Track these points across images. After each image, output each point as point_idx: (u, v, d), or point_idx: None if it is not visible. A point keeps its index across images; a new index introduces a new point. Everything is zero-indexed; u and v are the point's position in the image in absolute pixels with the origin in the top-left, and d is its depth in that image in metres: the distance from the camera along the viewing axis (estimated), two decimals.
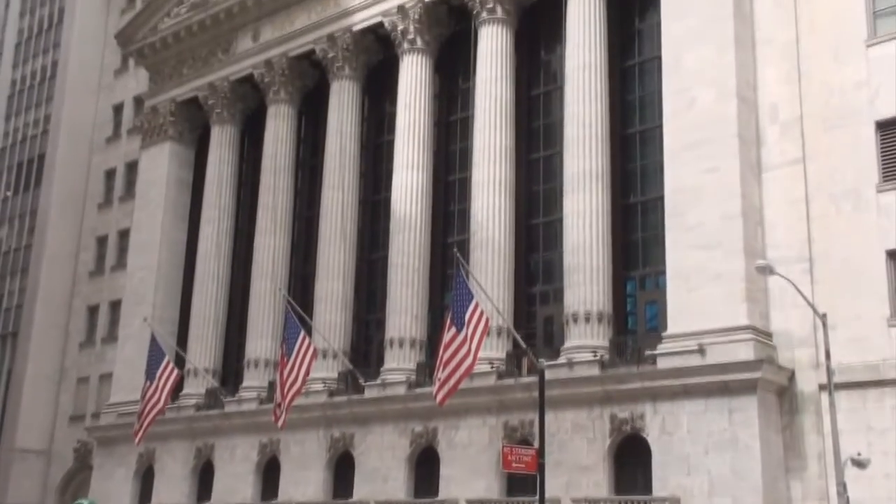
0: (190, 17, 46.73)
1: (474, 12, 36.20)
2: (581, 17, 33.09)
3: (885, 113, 26.72)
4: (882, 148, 26.71)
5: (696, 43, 29.82)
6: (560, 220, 32.67)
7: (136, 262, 47.12)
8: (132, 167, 52.59)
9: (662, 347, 28.03)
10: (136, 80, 54.23)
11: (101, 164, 56.13)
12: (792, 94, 28.60)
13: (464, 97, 38.08)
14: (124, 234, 51.48)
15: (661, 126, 30.66)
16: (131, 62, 53.68)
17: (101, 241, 54.56)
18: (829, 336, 22.94)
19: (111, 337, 50.65)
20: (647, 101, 32.65)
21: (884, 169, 26.60)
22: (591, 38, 32.81)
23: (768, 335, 27.34)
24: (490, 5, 35.70)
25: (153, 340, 37.18)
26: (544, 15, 35.81)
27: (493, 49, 35.62)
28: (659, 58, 31.37)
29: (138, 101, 53.36)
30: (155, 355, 36.43)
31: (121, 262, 51.31)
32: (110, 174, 55.46)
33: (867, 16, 27.74)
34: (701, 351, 26.99)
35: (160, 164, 47.49)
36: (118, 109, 56.40)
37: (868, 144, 26.78)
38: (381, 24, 39.43)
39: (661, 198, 30.09)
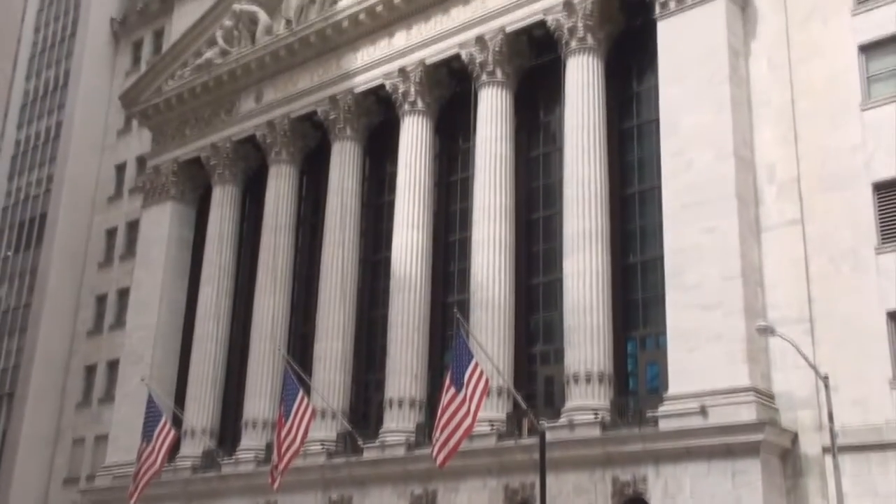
0: (194, 79, 47.42)
1: (474, 75, 36.80)
2: (579, 79, 33.62)
3: (882, 175, 27.00)
4: (879, 209, 26.94)
5: (693, 105, 30.25)
6: (560, 280, 32.71)
7: (134, 321, 47.05)
8: (133, 226, 52.84)
9: (664, 408, 27.86)
10: (140, 141, 54.82)
11: (102, 223, 56.41)
12: (789, 155, 28.94)
13: (464, 157, 38.45)
14: (124, 293, 51.46)
15: (659, 186, 30.94)
16: (135, 123, 54.31)
17: (101, 300, 54.53)
18: (832, 398, 22.85)
19: (108, 397, 50.31)
20: (646, 162, 32.98)
21: (882, 230, 26.80)
22: (589, 100, 33.29)
23: (770, 396, 27.21)
24: (490, 68, 36.31)
25: (150, 400, 36.95)
26: (543, 77, 36.37)
27: (492, 110, 36.10)
28: (657, 120, 31.79)
29: (141, 161, 53.88)
30: (152, 415, 36.16)
31: (120, 322, 51.20)
32: (111, 233, 55.69)
33: (861, 80, 28.19)
34: (703, 412, 26.82)
35: (161, 224, 47.75)
36: (121, 169, 56.90)
37: (865, 206, 27.02)
38: (382, 86, 40.03)
39: (661, 258, 30.19)
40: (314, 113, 42.59)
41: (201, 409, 42.16)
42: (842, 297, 26.68)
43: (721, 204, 28.66)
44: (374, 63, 40.43)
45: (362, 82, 40.82)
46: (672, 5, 31.74)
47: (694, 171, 29.62)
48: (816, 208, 27.94)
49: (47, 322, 54.91)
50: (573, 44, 34.05)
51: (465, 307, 33.25)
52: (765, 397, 26.88)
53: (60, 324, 54.96)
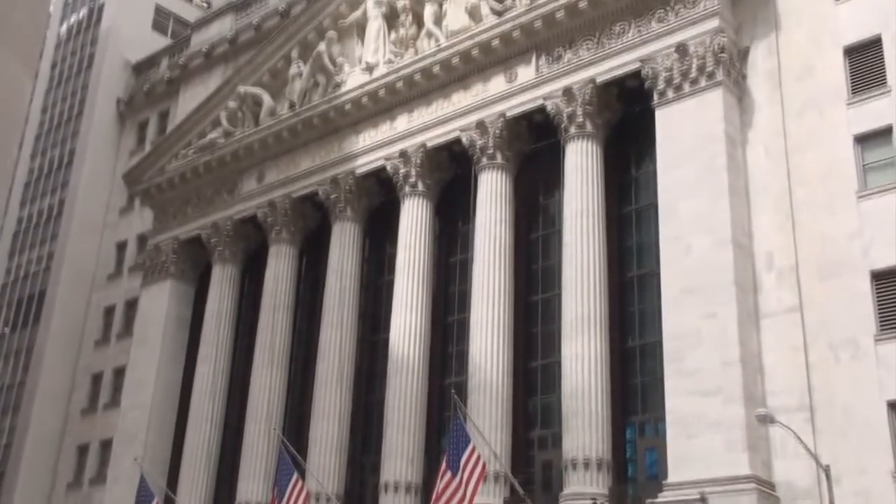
0: (197, 159, 48.01)
1: (474, 158, 37.30)
2: (579, 164, 34.06)
3: (880, 264, 27.13)
4: (878, 298, 26.98)
5: (691, 192, 30.57)
6: (558, 364, 32.56)
7: (129, 400, 46.67)
8: (132, 305, 52.75)
9: (663, 496, 27.45)
10: (141, 219, 55.13)
11: (100, 301, 56.30)
12: (787, 242, 29.15)
13: (463, 239, 38.65)
14: (119, 372, 51.09)
15: (658, 271, 31.04)
16: (137, 202, 54.71)
17: (96, 379, 54.06)
18: (834, 489, 22.51)
19: (100, 478, 49.51)
20: (645, 247, 33.16)
21: (881, 319, 26.79)
22: (588, 185, 33.66)
23: (771, 485, 26.85)
24: (490, 151, 36.82)
25: (142, 481, 36.45)
26: (543, 161, 36.84)
27: (492, 193, 36.46)
28: (655, 205, 32.08)
29: (142, 240, 54.09)
30: (144, 497, 35.62)
31: (114, 401, 50.69)
32: (109, 311, 55.52)
33: (857, 169, 28.55)
34: (703, 500, 26.44)
35: (160, 302, 47.75)
36: (121, 247, 57.07)
37: (864, 294, 27.08)
38: (383, 168, 40.53)
39: (660, 342, 30.11)
40: (315, 193, 42.99)
41: (194, 490, 41.54)
42: (842, 386, 26.52)
43: (720, 290, 28.73)
44: (376, 145, 41.00)
45: (364, 164, 41.32)
46: (670, 94, 32.36)
47: (693, 256, 29.77)
48: (815, 296, 27.99)
49: (41, 400, 54.33)
50: (572, 129, 34.61)
51: (462, 389, 33.03)
52: (766, 486, 26.52)
53: (54, 402, 54.39)
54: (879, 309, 26.90)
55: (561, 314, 32.88)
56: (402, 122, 40.48)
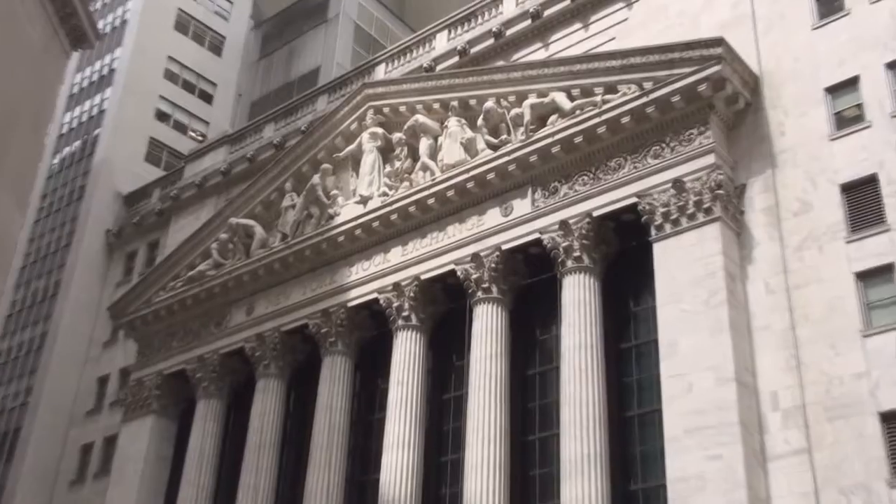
0: (185, 291, 48.05)
1: (469, 291, 37.38)
2: (576, 298, 34.11)
3: (888, 405, 26.74)
4: (889, 441, 26.46)
5: (691, 328, 30.50)
6: None
7: None
8: (111, 442, 51.66)
9: None
10: (124, 352, 54.66)
11: (78, 438, 55.07)
12: (792, 381, 28.80)
13: (458, 375, 38.26)
14: None
15: (660, 409, 30.65)
16: (121, 335, 54.40)
17: None
18: None
19: None
20: (646, 384, 32.82)
21: (893, 463, 26.20)
22: (586, 320, 33.60)
23: None
24: (485, 285, 36.92)
25: None
26: (539, 295, 36.93)
27: (487, 327, 36.34)
28: (655, 341, 31.96)
29: (124, 374, 53.46)
30: None
31: None
32: (87, 449, 54.23)
33: (861, 307, 28.49)
34: None
35: (141, 439, 46.84)
36: (103, 382, 56.30)
37: (874, 436, 26.59)
38: (376, 301, 40.55)
39: (663, 486, 29.42)
40: (305, 326, 42.83)
41: None
42: None
43: (725, 431, 28.23)
44: (369, 277, 41.17)
45: (356, 296, 41.38)
46: (667, 228, 32.72)
47: (694, 395, 29.40)
48: (824, 437, 27.48)
49: None
50: (569, 263, 34.83)
51: None
52: None
53: None
54: (891, 452, 26.32)
55: (559, 454, 32.24)
56: (396, 255, 40.79)
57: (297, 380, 44.28)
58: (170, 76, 68.66)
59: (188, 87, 69.70)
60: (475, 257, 37.45)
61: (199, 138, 68.07)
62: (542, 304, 36.84)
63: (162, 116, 67.65)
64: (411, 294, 39.14)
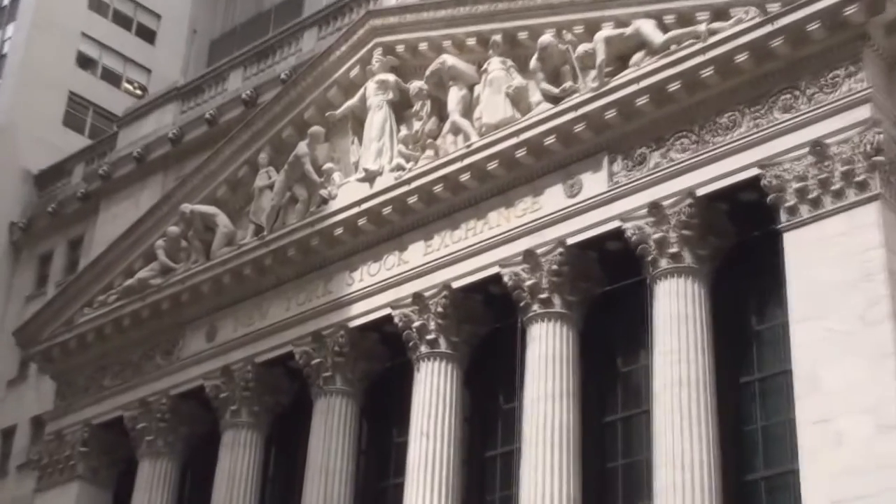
0: (121, 308, 48.29)
1: (521, 304, 37.22)
2: (673, 312, 33.94)
3: None
4: None
5: (839, 354, 29.99)
6: None
7: None
8: None
9: None
10: (37, 395, 54.95)
11: None
12: None
13: (506, 423, 38.30)
14: None
15: (796, 471, 30.31)
16: (33, 369, 54.69)
17: None
18: None
19: None
20: (775, 434, 32.68)
21: None
22: (689, 343, 33.31)
23: None
24: (544, 295, 36.65)
25: None
26: (621, 308, 36.91)
27: (548, 355, 36.06)
28: (789, 372, 31.70)
29: (37, 424, 53.78)
30: None
31: None
32: None
33: None
34: None
35: None
36: (8, 435, 56.66)
37: None
38: (389, 319, 40.50)
39: None
40: (290, 356, 42.92)
41: None
42: None
43: (891, 500, 27.87)
44: (378, 286, 41.22)
45: (360, 313, 41.40)
46: (803, 211, 32.34)
47: (847, 449, 28.99)
48: None
49: None
50: (663, 263, 34.55)
51: None
52: None
53: None
54: None
55: None
56: (416, 253, 40.80)
57: (279, 431, 44.45)
58: (96, 6, 69.23)
59: (122, 20, 70.23)
60: (529, 256, 37.25)
61: (139, 92, 68.56)
62: (625, 320, 36.67)
63: (85, 62, 68.14)
64: (439, 309, 39.04)
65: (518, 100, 39.55)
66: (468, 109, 41.05)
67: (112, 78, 68.65)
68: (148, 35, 71.00)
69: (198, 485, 45.77)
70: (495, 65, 40.46)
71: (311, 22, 53.37)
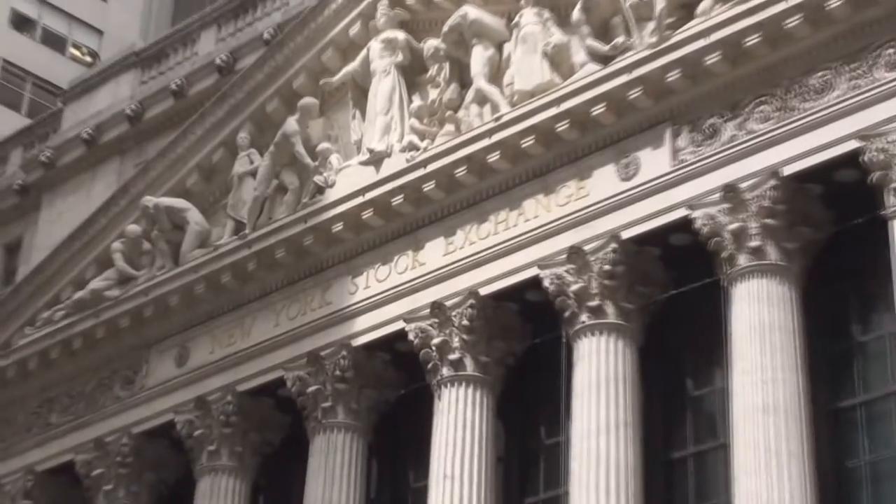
0: (70, 326, 48.47)
1: (566, 314, 37.19)
2: (757, 321, 33.63)
3: None
4: None
5: None
6: None
7: None
8: None
9: None
10: None
11: None
12: None
13: (550, 462, 38.42)
14: None
15: None
16: None
17: None
18: None
19: None
20: (884, 471, 32.66)
21: None
22: (780, 359, 33.05)
23: None
24: (594, 302, 36.50)
25: None
26: (689, 316, 36.95)
27: (600, 377, 35.94)
28: None
29: None
30: None
31: None
32: None
33: None
34: None
35: None
36: None
37: None
38: (402, 335, 40.56)
39: None
40: (280, 383, 43.03)
41: None
42: None
43: None
44: (387, 294, 41.39)
45: (366, 329, 41.53)
46: None
47: None
48: None
49: None
50: (741, 259, 34.29)
51: None
52: None
53: None
54: None
55: None
56: (435, 253, 40.93)
57: (267, 476, 44.67)
58: None
59: None
60: (575, 254, 37.16)
61: (88, 59, 68.73)
62: (696, 332, 36.75)
63: (21, 23, 68.44)
64: (464, 322, 39.02)
65: (558, 60, 39.49)
66: (496, 74, 41.10)
67: (55, 42, 68.91)
68: None
69: None
70: (529, 17, 40.40)
71: None
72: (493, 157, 39.66)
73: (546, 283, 37.81)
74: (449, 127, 41.61)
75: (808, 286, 34.87)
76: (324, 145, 44.70)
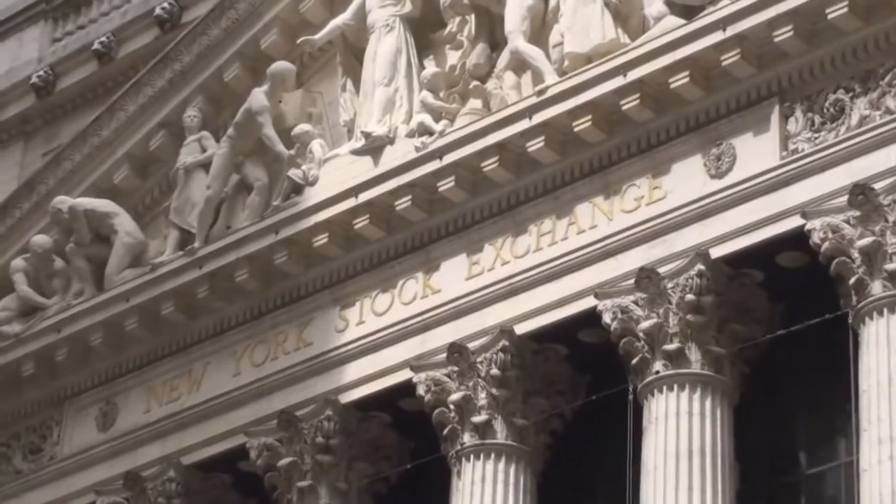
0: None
1: (633, 360, 37.27)
2: None
3: None
4: None
5: None
6: None
7: None
8: None
9: None
10: None
11: None
12: None
13: None
14: None
15: None
16: None
17: None
18: None
19: None
20: None
21: None
22: None
23: None
24: (672, 346, 36.73)
25: None
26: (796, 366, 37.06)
27: (678, 445, 36.08)
28: None
29: None
30: None
31: None
32: None
33: None
34: None
35: None
36: None
37: None
38: (409, 387, 40.83)
39: None
40: (241, 454, 43.51)
41: None
42: None
43: None
44: (389, 333, 41.90)
45: (359, 380, 42.02)
46: None
47: None
48: None
49: None
50: (876, 288, 34.45)
51: None
52: None
53: None
54: None
55: None
56: (454, 276, 41.37)
57: None
58: None
59: None
60: (647, 279, 37.42)
61: None
62: (812, 381, 37.01)
63: None
64: (493, 371, 39.23)
65: (626, 12, 39.76)
66: (540, 30, 41.37)
67: None
68: None
69: None
70: None
71: None
72: (536, 146, 39.90)
73: (606, 318, 37.98)
74: (475, 103, 41.90)
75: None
76: (302, 127, 44.97)
